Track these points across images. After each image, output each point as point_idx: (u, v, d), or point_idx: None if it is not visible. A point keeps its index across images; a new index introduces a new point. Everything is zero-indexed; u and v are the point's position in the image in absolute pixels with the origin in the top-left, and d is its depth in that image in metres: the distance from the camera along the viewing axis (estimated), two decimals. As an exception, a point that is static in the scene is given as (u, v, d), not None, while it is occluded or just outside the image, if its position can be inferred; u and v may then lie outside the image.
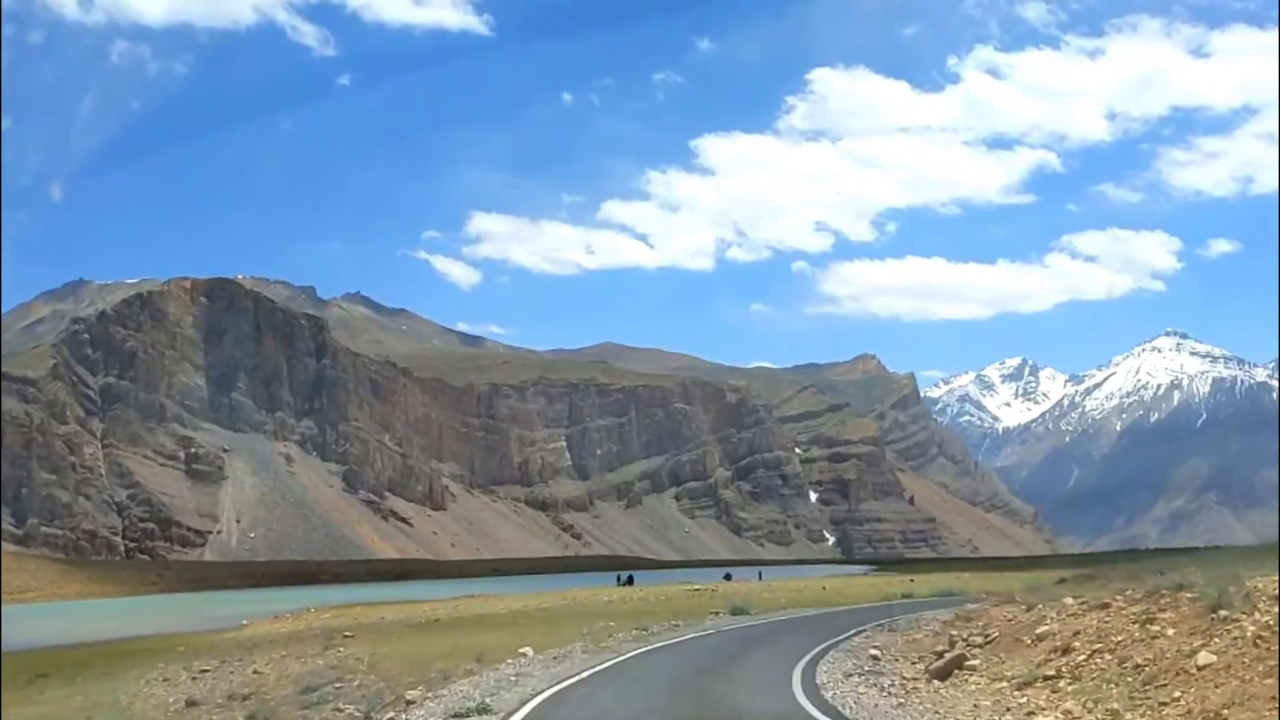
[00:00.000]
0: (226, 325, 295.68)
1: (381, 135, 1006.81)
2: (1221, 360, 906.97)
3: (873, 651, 26.16)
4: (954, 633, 26.79)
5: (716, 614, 41.81)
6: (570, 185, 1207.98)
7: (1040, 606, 24.65)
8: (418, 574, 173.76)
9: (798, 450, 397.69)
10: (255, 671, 29.39)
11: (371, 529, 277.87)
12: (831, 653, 26.57)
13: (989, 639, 23.34)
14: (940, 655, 23.33)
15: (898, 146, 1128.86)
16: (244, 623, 54.70)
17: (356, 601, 71.95)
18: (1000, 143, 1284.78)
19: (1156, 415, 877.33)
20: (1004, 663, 20.79)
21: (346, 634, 36.69)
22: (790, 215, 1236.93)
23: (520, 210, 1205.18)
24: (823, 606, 47.58)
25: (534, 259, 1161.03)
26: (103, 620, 68.36)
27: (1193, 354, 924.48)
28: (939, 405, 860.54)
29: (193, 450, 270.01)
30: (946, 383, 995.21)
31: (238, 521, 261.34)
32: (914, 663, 24.50)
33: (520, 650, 27.70)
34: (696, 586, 66.58)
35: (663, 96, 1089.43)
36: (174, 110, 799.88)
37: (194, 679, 29.69)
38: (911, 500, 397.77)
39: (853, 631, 31.96)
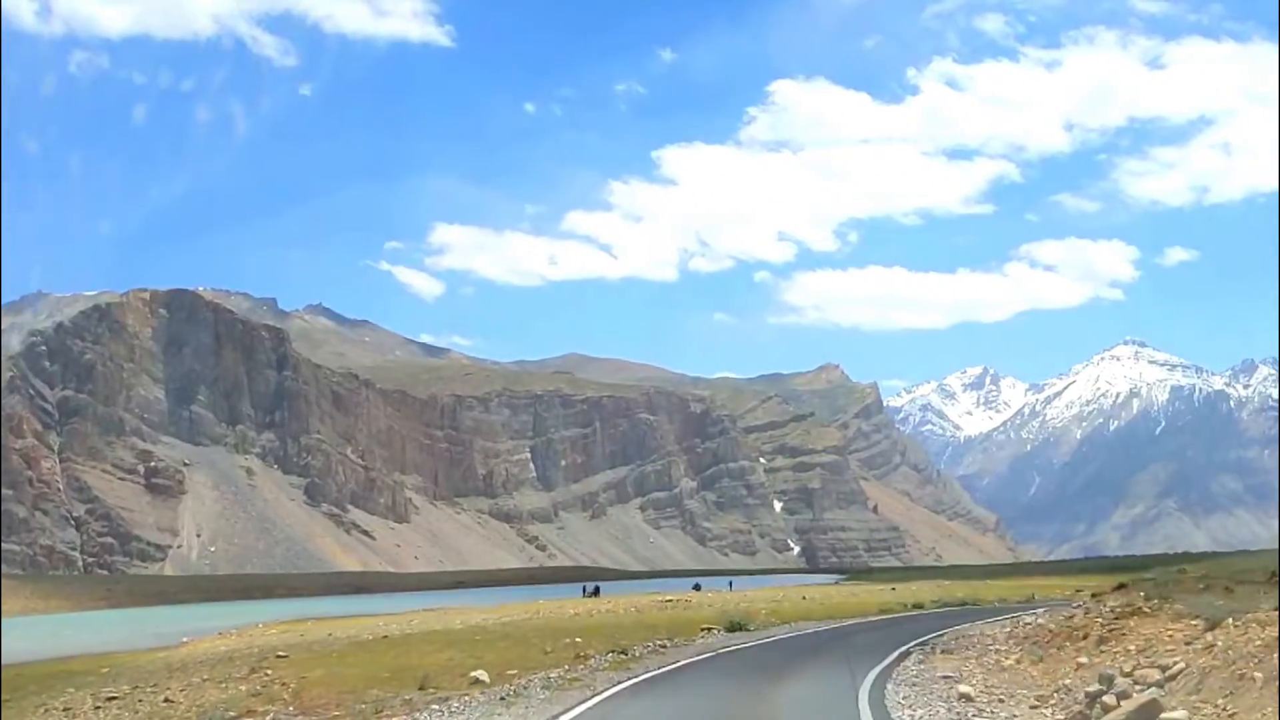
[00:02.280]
0: (186, 337, 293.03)
1: (343, 146, 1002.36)
2: (1179, 368, 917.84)
3: (961, 690, 19.58)
4: (1096, 660, 20.39)
5: (709, 630, 36.03)
6: (533, 196, 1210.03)
7: (1231, 622, 17.63)
8: (377, 587, 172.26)
9: (762, 460, 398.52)
10: (166, 700, 26.09)
11: (334, 542, 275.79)
12: (894, 688, 20.71)
13: (1171, 672, 16.73)
14: (1095, 700, 16.44)
15: (859, 157, 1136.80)
16: (184, 640, 51.80)
17: (309, 616, 69.65)
18: (960, 153, 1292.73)
19: (1116, 423, 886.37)
20: (1234, 716, 14.21)
21: (280, 654, 32.90)
22: (753, 225, 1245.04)
23: (483, 221, 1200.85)
24: (827, 620, 43.08)
25: (497, 270, 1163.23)
26: (36, 638, 63.52)
27: (1151, 362, 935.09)
28: (901, 414, 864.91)
29: (152, 464, 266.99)
30: (909, 392, 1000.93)
31: (198, 535, 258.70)
32: (1037, 706, 18.22)
33: (473, 674, 24.21)
34: (668, 597, 63.60)
35: (625, 107, 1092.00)
36: (134, 120, 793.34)
37: (97, 708, 26.81)
38: (875, 509, 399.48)
39: (894, 654, 26.51)
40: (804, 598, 61.39)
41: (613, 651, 28.96)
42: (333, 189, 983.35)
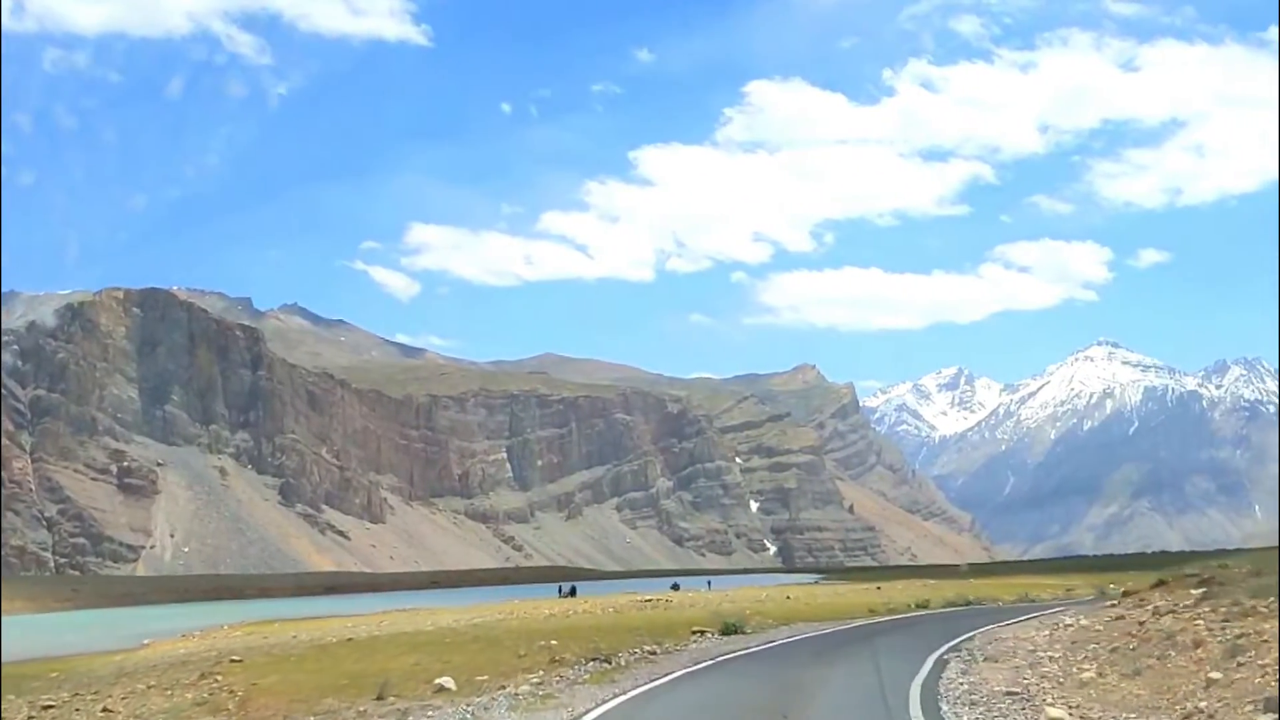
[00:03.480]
0: (160, 337, 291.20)
1: (319, 145, 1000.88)
2: (1152, 369, 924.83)
3: (1052, 714, 16.32)
4: (1237, 676, 16.58)
5: (701, 633, 32.57)
6: (509, 196, 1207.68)
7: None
8: (350, 588, 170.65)
9: (738, 460, 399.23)
10: (105, 710, 24.37)
11: (309, 542, 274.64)
12: (951, 709, 17.57)
13: None
14: None
15: (835, 158, 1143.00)
16: (145, 642, 49.97)
17: (277, 617, 68.02)
18: (935, 155, 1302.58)
19: (1090, 423, 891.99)
20: None
21: (235, 658, 30.98)
22: (729, 226, 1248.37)
23: (459, 221, 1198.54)
24: (827, 621, 39.64)
25: (473, 270, 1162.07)
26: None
27: (1124, 363, 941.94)
28: (877, 414, 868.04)
29: (125, 464, 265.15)
30: (884, 392, 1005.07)
31: (171, 536, 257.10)
32: None
33: (438, 681, 22.29)
34: (647, 597, 61.85)
35: (601, 108, 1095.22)
36: (108, 119, 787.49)
37: (31, 718, 24.98)
38: (851, 509, 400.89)
39: (929, 662, 23.32)
40: (788, 597, 59.12)
41: (594, 659, 25.70)
42: (308, 188, 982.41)
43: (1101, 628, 25.10)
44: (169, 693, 25.79)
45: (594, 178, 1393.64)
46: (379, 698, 21.11)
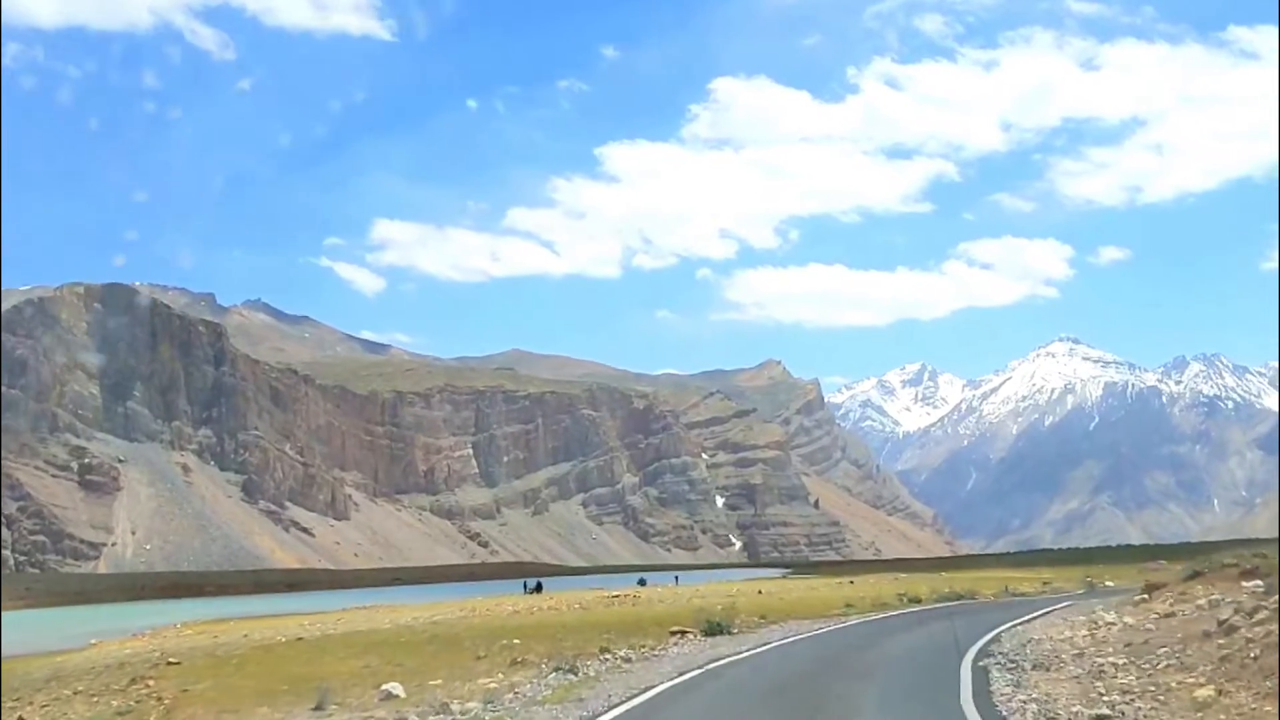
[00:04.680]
0: (121, 333, 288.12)
1: (283, 141, 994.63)
2: (1113, 365, 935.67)
3: None
4: None
5: (682, 634, 29.23)
6: (476, 192, 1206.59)
7: None
8: (312, 585, 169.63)
9: (704, 456, 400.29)
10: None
11: (272, 540, 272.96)
12: None
13: None
14: None
15: (800, 155, 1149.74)
16: (92, 642, 48.36)
17: (233, 615, 66.73)
18: (899, 152, 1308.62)
19: (1051, 419, 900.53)
20: None
21: (172, 660, 29.05)
22: (695, 223, 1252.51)
23: (425, 217, 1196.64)
24: (817, 620, 35.81)
25: (439, 266, 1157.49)
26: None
27: (1085, 359, 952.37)
28: (842, 410, 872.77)
29: (86, 461, 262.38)
30: (849, 388, 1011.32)
31: (133, 533, 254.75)
32: None
33: (385, 687, 20.37)
34: (614, 593, 60.65)
35: (567, 104, 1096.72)
36: (71, 113, 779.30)
37: None
38: (816, 504, 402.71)
39: (965, 672, 19.95)
40: (760, 592, 56.66)
41: (558, 669, 22.31)
42: (272, 184, 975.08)
43: (1154, 627, 22.21)
44: (94, 700, 24.27)
45: (561, 174, 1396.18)
46: (317, 707, 19.38)
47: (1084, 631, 25.33)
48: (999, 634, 26.85)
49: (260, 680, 23.71)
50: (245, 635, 40.50)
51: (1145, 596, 30.21)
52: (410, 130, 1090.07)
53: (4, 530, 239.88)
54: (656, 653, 25.34)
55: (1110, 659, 19.83)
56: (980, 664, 20.65)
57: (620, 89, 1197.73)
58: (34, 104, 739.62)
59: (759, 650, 25.35)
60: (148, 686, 24.69)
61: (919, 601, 45.67)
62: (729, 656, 23.98)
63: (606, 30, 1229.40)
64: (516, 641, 28.10)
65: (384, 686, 20.51)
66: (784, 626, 32.81)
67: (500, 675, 22.10)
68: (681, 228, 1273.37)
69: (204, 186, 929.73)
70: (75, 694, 25.65)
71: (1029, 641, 24.58)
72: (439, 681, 21.52)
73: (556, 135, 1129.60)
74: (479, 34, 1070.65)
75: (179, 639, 43.89)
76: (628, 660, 23.84)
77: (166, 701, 22.10)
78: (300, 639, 35.42)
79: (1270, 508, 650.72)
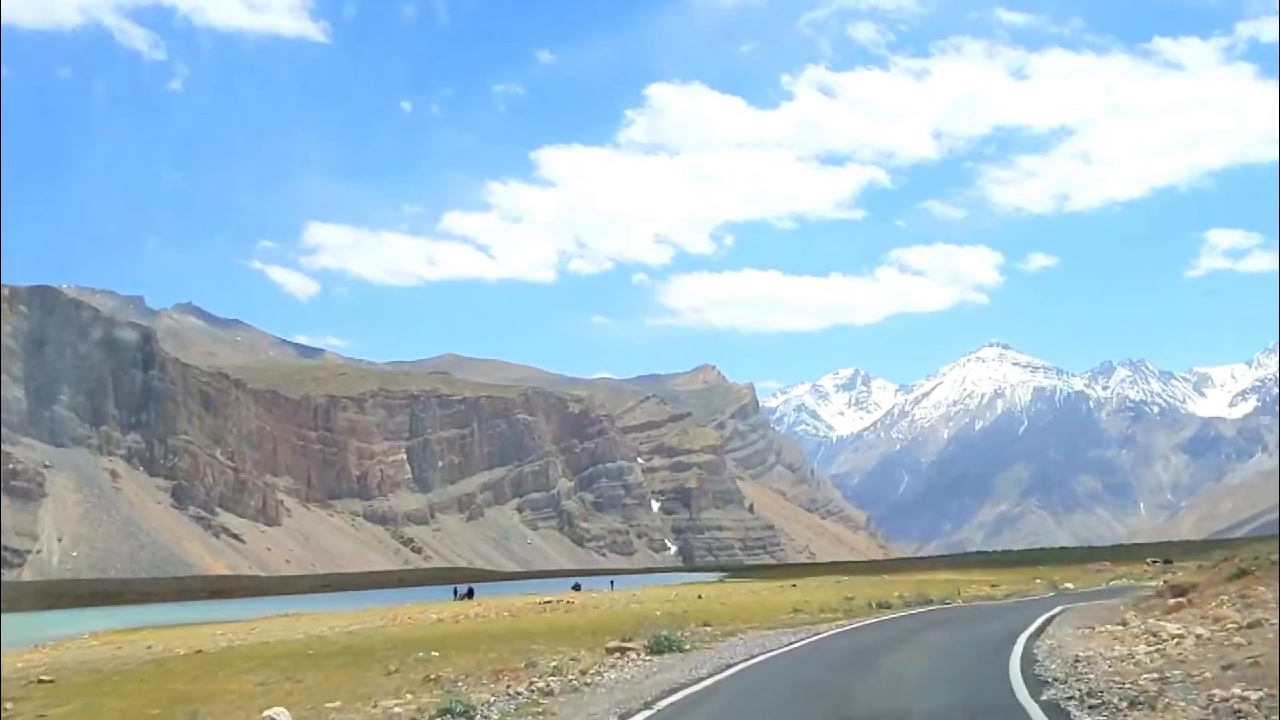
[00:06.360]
0: (48, 335, 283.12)
1: (214, 142, 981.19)
2: (1041, 370, 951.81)
3: None
4: None
5: (622, 651, 23.57)
6: (410, 195, 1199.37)
7: None
8: (238, 592, 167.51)
9: (640, 460, 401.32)
10: None
11: (202, 546, 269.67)
12: None
13: None
14: None
15: (735, 161, 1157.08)
16: None
17: (148, 624, 64.42)
18: (833, 159, 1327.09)
19: (981, 423, 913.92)
20: None
21: (44, 678, 26.52)
22: (631, 228, 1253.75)
23: (359, 220, 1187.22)
24: (781, 629, 30.80)
25: (374, 270, 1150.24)
26: None
27: (1014, 364, 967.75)
28: (776, 414, 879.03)
29: (10, 466, 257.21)
30: (784, 393, 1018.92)
31: (59, 540, 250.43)
32: None
33: (268, 712, 17.33)
34: (547, 599, 59.35)
35: (503, 107, 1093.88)
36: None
37: None
38: (751, 508, 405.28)
39: (1017, 714, 14.27)
40: (700, 597, 53.96)
41: (446, 712, 16.44)
42: (203, 186, 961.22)
43: (1244, 640, 18.35)
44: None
45: (496, 178, 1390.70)
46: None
47: (1144, 646, 20.10)
48: (1030, 650, 21.49)
49: (134, 701, 21.30)
50: (149, 647, 38.94)
51: (1183, 600, 26.46)
52: (344, 133, 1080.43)
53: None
54: (588, 680, 19.62)
55: (1232, 690, 14.25)
56: (1045, 698, 15.08)
57: (556, 93, 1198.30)
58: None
59: (722, 677, 19.45)
60: (6, 709, 21.68)
61: (889, 607, 40.94)
62: (685, 687, 17.93)
63: (542, 34, 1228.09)
64: (435, 654, 25.30)
65: (267, 712, 17.39)
66: (744, 639, 27.55)
67: (409, 695, 18.89)
68: (617, 232, 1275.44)
69: (134, 188, 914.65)
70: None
71: (1078, 660, 19.14)
72: (336, 704, 18.40)
73: (492, 139, 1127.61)
74: (414, 36, 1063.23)
75: (80, 651, 41.70)
76: (548, 693, 18.08)
77: None
78: (200, 651, 33.69)
79: (1195, 511, 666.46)
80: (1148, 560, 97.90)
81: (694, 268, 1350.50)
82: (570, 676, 19.90)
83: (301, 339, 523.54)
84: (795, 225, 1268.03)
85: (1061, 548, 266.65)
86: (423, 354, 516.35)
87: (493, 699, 17.61)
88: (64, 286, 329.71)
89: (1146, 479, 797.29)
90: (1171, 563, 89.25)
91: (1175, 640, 20.07)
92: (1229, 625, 20.61)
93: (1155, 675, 16.35)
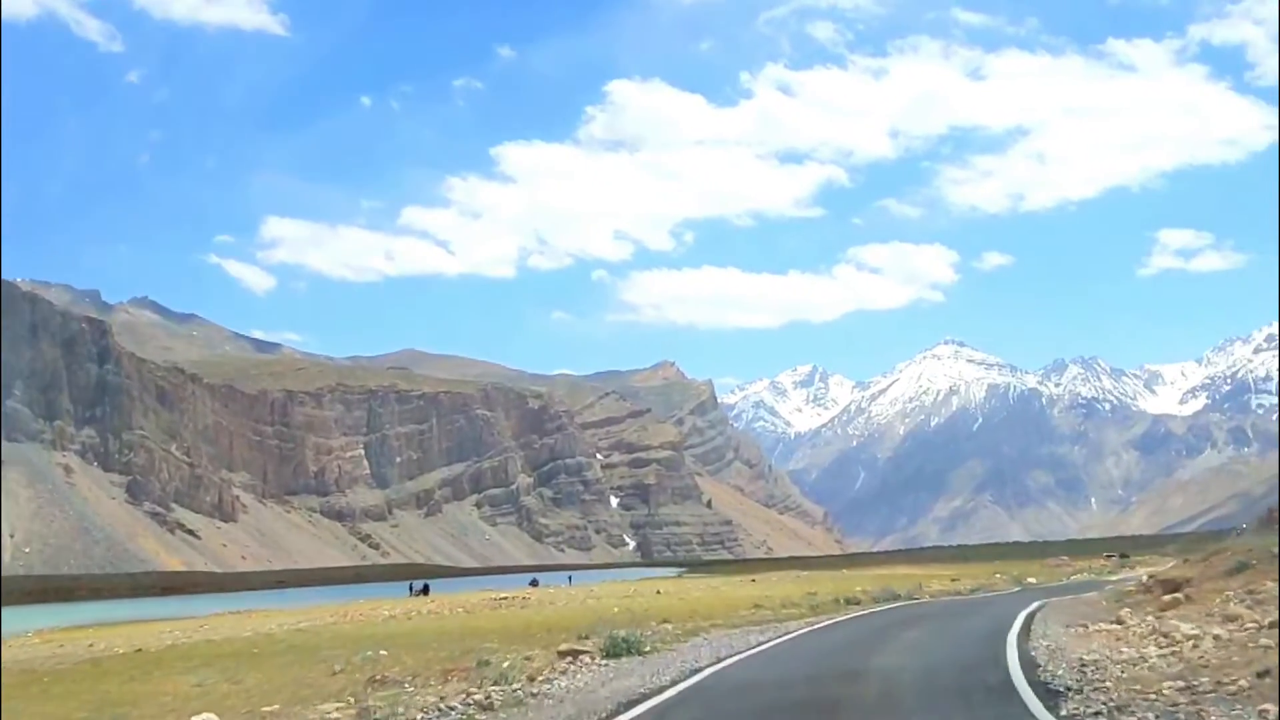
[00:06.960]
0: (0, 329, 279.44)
1: (171, 135, 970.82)
2: (995, 367, 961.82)
3: None
4: None
5: (575, 654, 21.28)
6: (369, 190, 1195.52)
7: None
8: (191, 588, 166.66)
9: (599, 456, 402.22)
10: None
11: (157, 542, 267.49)
12: None
13: None
14: None
15: (694, 158, 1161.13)
16: None
17: (95, 622, 63.00)
18: (791, 157, 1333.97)
19: (936, 419, 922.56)
20: None
21: None
22: (591, 224, 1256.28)
23: (317, 215, 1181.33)
24: (747, 627, 29.20)
25: (332, 265, 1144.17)
26: None
27: (969, 361, 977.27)
28: (735, 411, 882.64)
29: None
30: (742, 389, 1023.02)
31: (11, 536, 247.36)
32: None
33: (197, 718, 15.99)
34: (502, 595, 58.15)
35: (463, 103, 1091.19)
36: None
37: None
38: (709, 504, 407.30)
39: None
40: (659, 592, 52.93)
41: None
42: (160, 179, 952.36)
43: (1271, 641, 16.67)
44: None
45: (456, 174, 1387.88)
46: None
47: (1154, 649, 18.54)
48: (1027, 651, 19.75)
49: (60, 704, 20.15)
50: (90, 645, 37.84)
51: (1179, 596, 25.44)
52: (303, 127, 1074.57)
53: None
54: (535, 689, 17.29)
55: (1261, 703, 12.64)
56: (1066, 713, 13.31)
57: (516, 89, 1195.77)
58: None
59: (687, 684, 17.17)
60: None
61: (857, 603, 39.23)
62: (646, 699, 15.70)
63: (502, 29, 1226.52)
64: (384, 653, 24.02)
65: (196, 719, 16.01)
66: (708, 638, 25.63)
67: (351, 699, 17.51)
68: (577, 229, 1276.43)
69: (90, 180, 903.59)
70: None
71: (1084, 664, 17.35)
72: (274, 708, 17.07)
73: (452, 134, 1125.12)
74: (373, 30, 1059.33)
75: (20, 650, 39.82)
76: (486, 707, 15.88)
77: None
78: (140, 650, 32.50)
79: (1146, 506, 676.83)
80: (1104, 555, 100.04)
81: (654, 264, 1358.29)
82: (515, 685, 17.49)
83: (258, 334, 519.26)
84: (754, 223, 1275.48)
85: (1015, 542, 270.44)
86: (382, 349, 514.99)
87: (422, 715, 15.63)
88: (18, 280, 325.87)
89: (1098, 475, 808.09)
90: (1128, 556, 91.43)
91: (1191, 642, 18.30)
92: (1248, 625, 19.05)
93: (1180, 683, 14.58)
